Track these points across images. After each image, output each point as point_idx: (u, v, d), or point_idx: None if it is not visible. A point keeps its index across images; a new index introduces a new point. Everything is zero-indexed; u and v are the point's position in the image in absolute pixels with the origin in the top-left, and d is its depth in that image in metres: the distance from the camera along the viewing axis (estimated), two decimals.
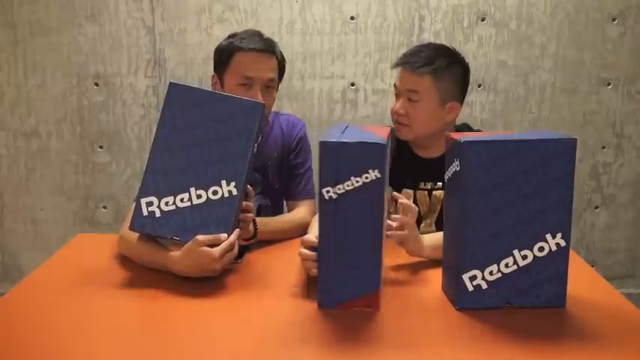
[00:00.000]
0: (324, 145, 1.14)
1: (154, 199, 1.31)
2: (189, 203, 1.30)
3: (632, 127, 2.52)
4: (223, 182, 1.30)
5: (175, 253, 1.33)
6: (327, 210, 1.15)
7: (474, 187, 1.16)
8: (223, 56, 1.67)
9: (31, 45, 2.39)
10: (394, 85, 1.67)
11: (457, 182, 1.18)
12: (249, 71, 1.62)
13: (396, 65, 1.66)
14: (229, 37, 1.71)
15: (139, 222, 1.32)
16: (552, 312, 1.19)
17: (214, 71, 1.71)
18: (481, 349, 1.06)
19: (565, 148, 1.16)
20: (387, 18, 2.40)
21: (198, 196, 1.30)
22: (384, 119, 2.45)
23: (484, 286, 1.19)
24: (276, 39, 1.77)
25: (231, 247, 1.31)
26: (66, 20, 2.37)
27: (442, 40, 2.39)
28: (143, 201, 1.31)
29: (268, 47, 1.66)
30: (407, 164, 1.68)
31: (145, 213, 1.31)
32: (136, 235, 1.38)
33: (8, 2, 2.36)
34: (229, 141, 1.31)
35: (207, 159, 1.31)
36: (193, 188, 1.30)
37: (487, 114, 2.48)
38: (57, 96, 2.43)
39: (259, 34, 1.69)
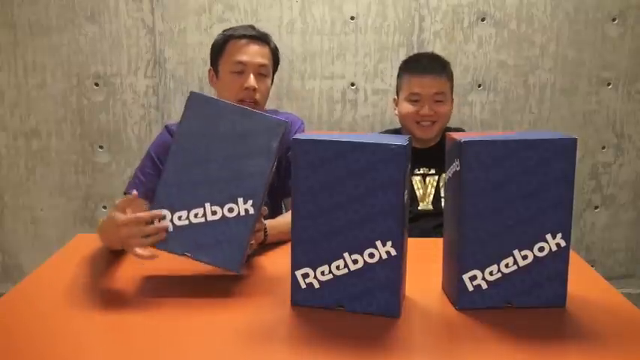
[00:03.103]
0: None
1: (166, 212, 1.26)
2: (203, 219, 1.25)
3: (632, 127, 2.52)
4: (240, 200, 1.25)
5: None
6: None
7: (474, 187, 1.16)
8: (217, 47, 1.72)
9: (31, 45, 2.39)
10: (412, 92, 1.94)
11: (457, 182, 1.18)
12: (242, 56, 1.65)
13: (415, 74, 1.95)
14: (223, 31, 1.76)
15: None
16: (552, 312, 1.19)
17: (210, 65, 1.74)
18: (481, 349, 1.06)
19: (565, 148, 1.16)
20: (387, 18, 2.40)
21: (214, 213, 1.25)
22: (384, 119, 2.45)
23: (484, 286, 1.19)
24: (276, 39, 1.79)
25: (141, 222, 1.24)
26: (66, 20, 2.38)
27: (442, 40, 2.40)
28: None
29: (260, 35, 1.70)
30: None
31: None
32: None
33: (8, 2, 2.36)
34: (248, 158, 1.25)
35: (225, 175, 1.25)
36: (209, 204, 1.25)
37: (487, 114, 2.48)
38: (57, 96, 2.43)
39: (252, 26, 1.74)
